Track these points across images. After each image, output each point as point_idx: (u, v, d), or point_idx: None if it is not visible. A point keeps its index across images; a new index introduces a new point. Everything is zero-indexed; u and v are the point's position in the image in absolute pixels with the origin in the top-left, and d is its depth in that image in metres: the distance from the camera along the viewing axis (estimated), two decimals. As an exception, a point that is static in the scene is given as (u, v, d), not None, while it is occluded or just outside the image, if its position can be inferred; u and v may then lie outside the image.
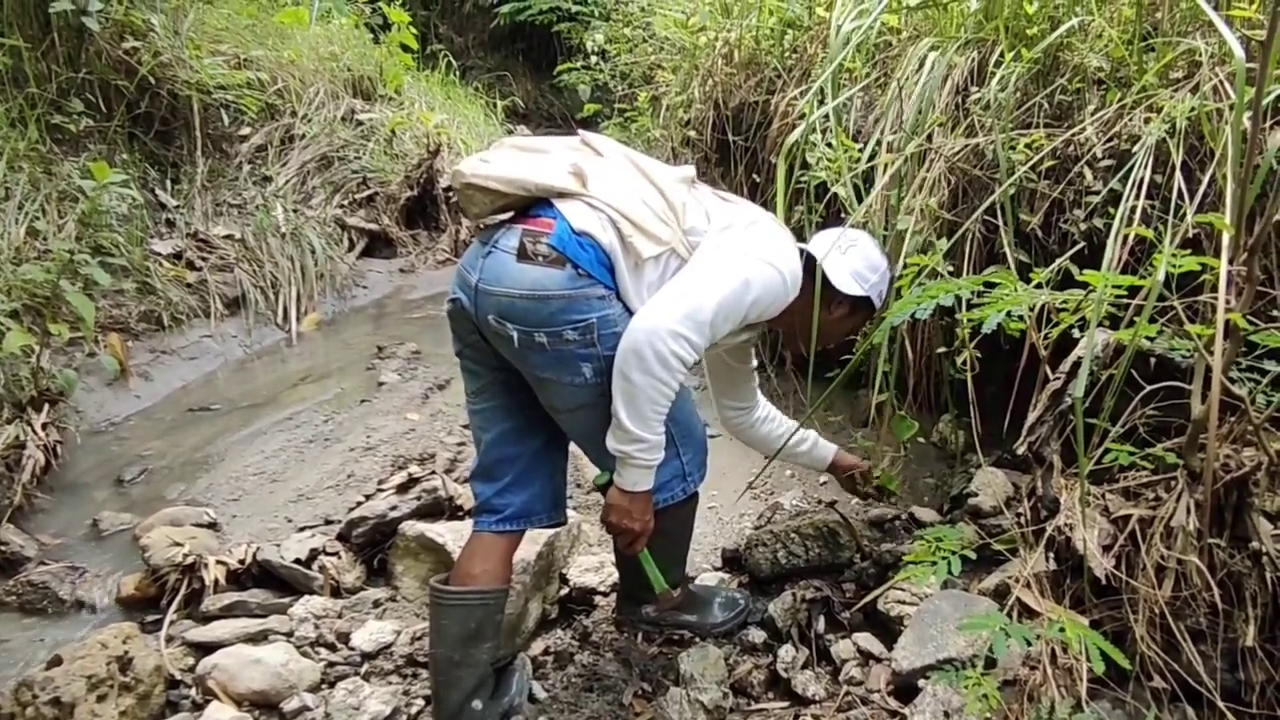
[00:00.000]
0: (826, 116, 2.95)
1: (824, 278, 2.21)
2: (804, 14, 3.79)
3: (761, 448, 2.63)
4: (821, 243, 2.26)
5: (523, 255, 1.88)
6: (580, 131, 2.19)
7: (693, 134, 3.98)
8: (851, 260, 2.25)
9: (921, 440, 3.15)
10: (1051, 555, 2.04)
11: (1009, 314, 1.96)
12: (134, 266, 4.64)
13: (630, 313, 1.92)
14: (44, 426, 3.43)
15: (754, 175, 3.76)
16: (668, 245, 1.95)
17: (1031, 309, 2.04)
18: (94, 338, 4.09)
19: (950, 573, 1.88)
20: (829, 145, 2.81)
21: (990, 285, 2.04)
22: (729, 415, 2.59)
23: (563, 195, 1.95)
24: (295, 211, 5.81)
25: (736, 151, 3.81)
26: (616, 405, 1.89)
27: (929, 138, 2.77)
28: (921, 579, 1.86)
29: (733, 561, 2.83)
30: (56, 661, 2.32)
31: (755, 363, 2.56)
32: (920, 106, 2.78)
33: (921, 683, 2.15)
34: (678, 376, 1.89)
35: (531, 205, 1.98)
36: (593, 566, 2.76)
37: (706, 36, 4.05)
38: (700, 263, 1.95)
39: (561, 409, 2.04)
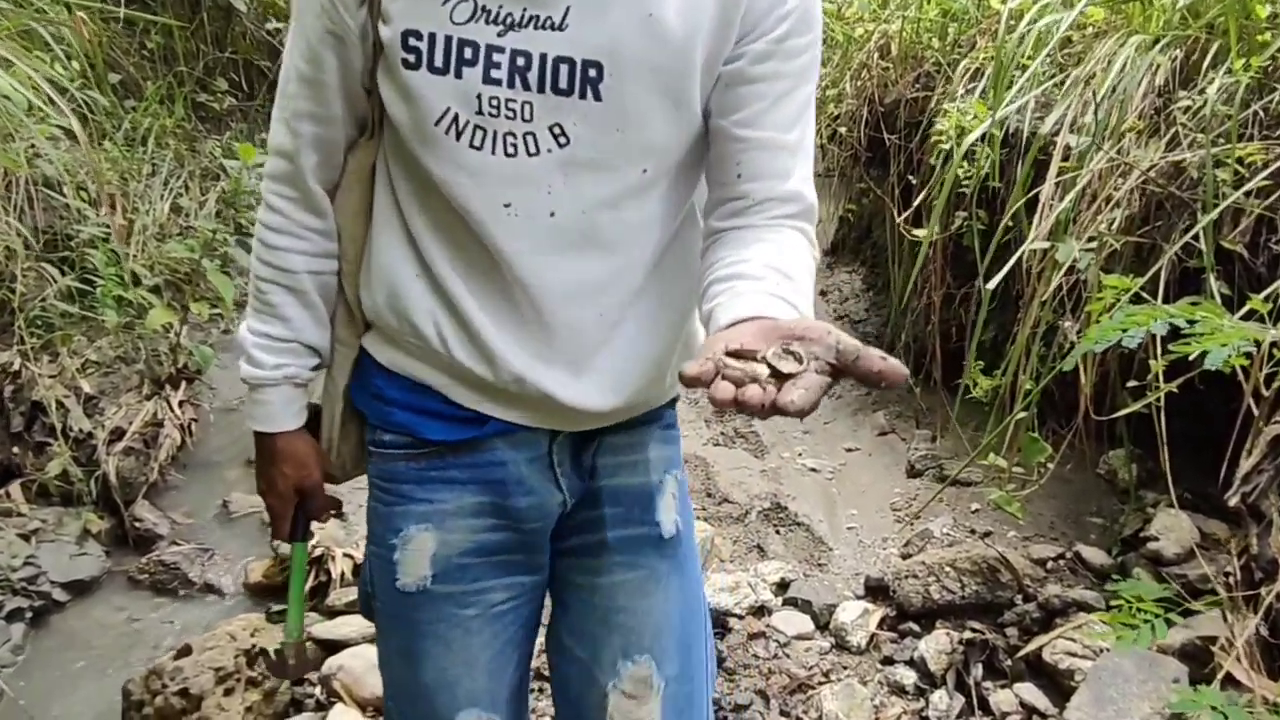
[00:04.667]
0: (1000, 121, 2.72)
1: None
2: (970, 5, 3.54)
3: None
4: None
5: None
6: None
7: (842, 130, 3.77)
8: None
9: (1102, 474, 2.89)
10: (1265, 624, 1.80)
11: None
12: (271, 245, 4.66)
13: None
14: (180, 404, 3.45)
15: (909, 177, 3.54)
16: None
17: (1257, 343, 1.79)
18: (232, 316, 4.13)
19: (1154, 637, 1.67)
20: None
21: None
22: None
23: None
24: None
25: (891, 150, 3.59)
26: None
27: (1118, 149, 2.52)
28: (1123, 643, 1.65)
29: (877, 591, 2.64)
30: (186, 651, 2.29)
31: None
32: (1111, 110, 2.53)
33: (1101, 751, 1.94)
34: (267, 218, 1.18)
35: None
36: (728, 586, 2.61)
37: (864, 28, 3.84)
38: None
39: None
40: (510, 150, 1.01)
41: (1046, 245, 2.42)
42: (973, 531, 2.85)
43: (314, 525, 2.88)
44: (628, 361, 1.14)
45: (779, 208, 1.06)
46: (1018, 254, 2.34)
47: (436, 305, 1.10)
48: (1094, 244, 2.35)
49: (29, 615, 2.70)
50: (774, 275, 0.96)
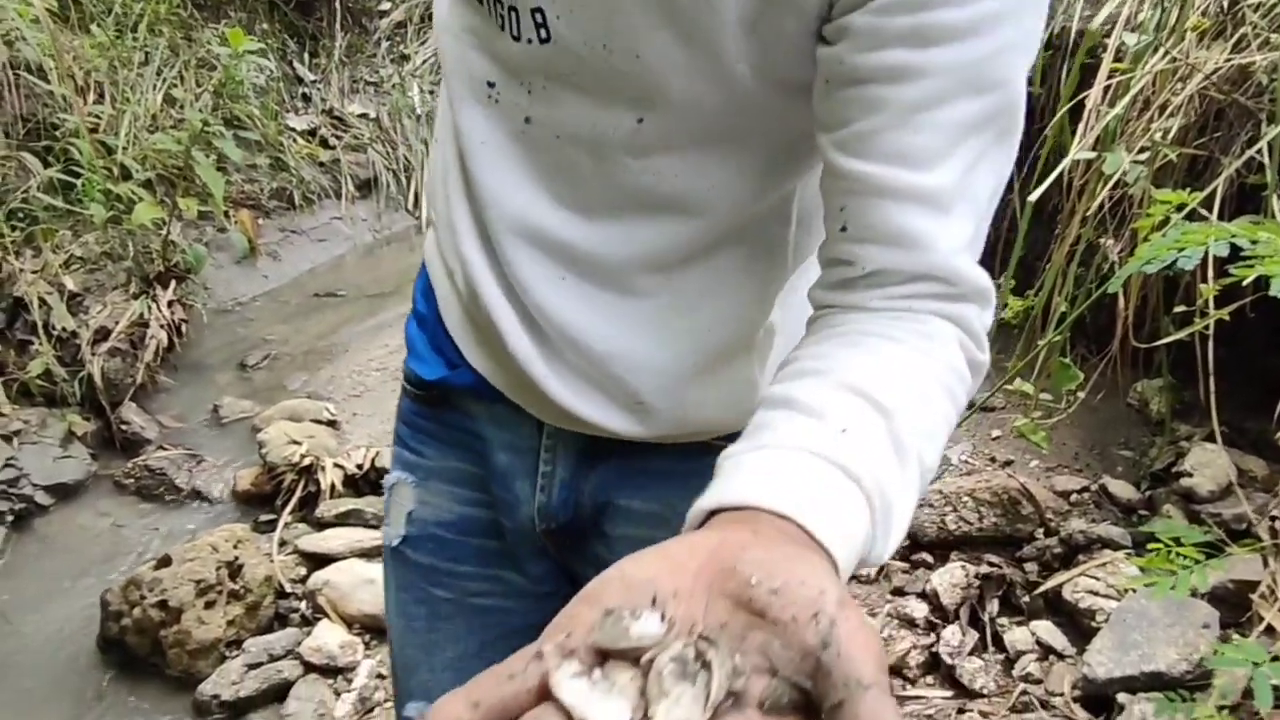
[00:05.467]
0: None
1: None
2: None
3: None
4: None
5: None
6: None
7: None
8: None
9: (1133, 404, 2.74)
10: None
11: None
12: (268, 141, 4.48)
13: None
14: (170, 304, 3.32)
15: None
16: None
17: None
18: (224, 213, 3.96)
19: (1199, 585, 1.54)
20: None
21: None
22: None
23: None
24: (432, 93, 5.57)
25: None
26: None
27: (1178, 49, 2.30)
28: (1159, 589, 1.52)
29: (889, 519, 2.52)
30: (166, 561, 2.20)
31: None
32: (1172, 6, 2.30)
33: (1122, 697, 1.84)
34: None
35: None
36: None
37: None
38: None
39: None
40: (499, 21, 0.74)
41: (1092, 156, 2.23)
42: (992, 460, 2.72)
43: (304, 433, 2.78)
44: (607, 362, 0.81)
45: (912, 286, 0.65)
46: (1061, 164, 2.15)
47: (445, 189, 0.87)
48: (1145, 155, 2.16)
49: (10, 519, 2.62)
50: (843, 410, 0.58)
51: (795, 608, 0.41)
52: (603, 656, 0.42)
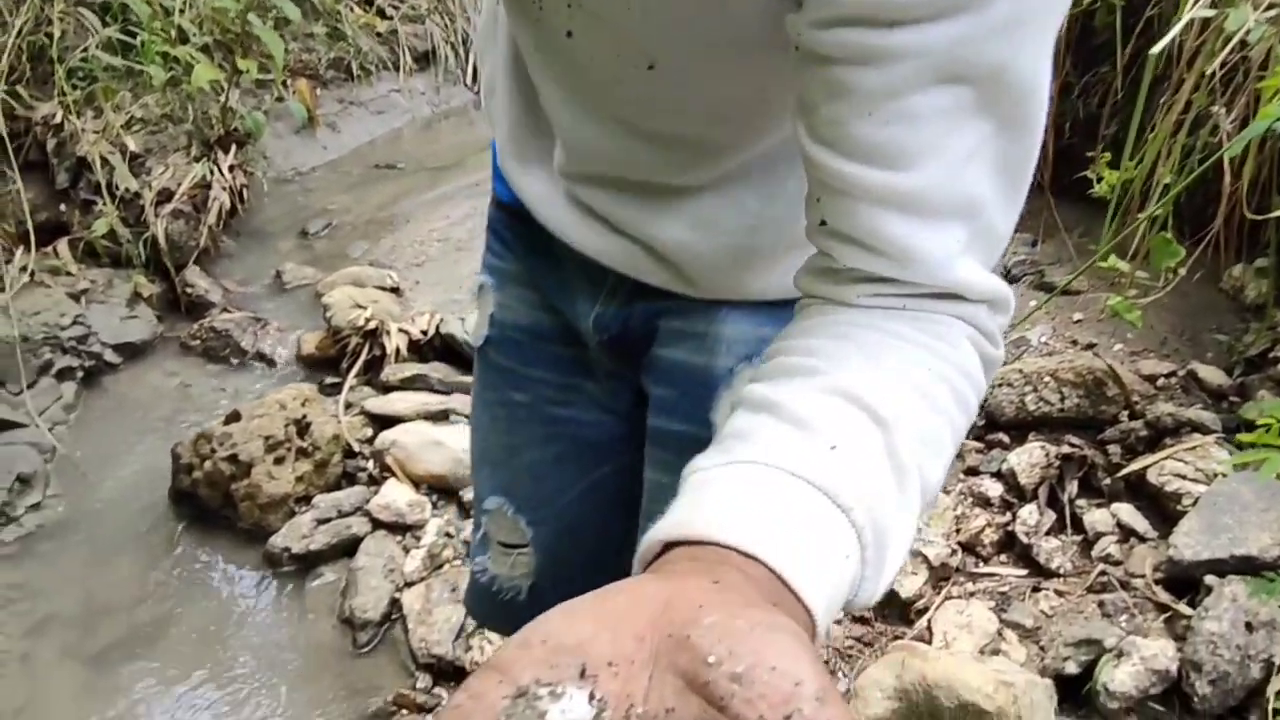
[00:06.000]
0: None
1: None
2: None
3: None
4: None
5: None
6: None
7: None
8: None
9: (1226, 290, 2.61)
10: None
11: None
12: (324, 9, 4.36)
13: None
14: (231, 169, 3.27)
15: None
16: None
17: None
18: (283, 81, 3.88)
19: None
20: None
21: None
22: None
23: None
24: (490, -38, 5.38)
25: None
26: None
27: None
28: (1270, 467, 1.44)
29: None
30: (235, 417, 2.21)
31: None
32: None
33: (1210, 579, 1.78)
34: None
35: None
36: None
37: None
38: None
39: None
40: None
41: (1211, 13, 2.06)
42: (1074, 343, 2.61)
43: (368, 298, 2.75)
44: (653, 247, 0.79)
45: (903, 287, 0.56)
46: (1179, 23, 1.98)
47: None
48: (1273, 13, 1.99)
49: (80, 375, 2.64)
50: (834, 422, 0.49)
51: (763, 704, 0.32)
52: None
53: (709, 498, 0.45)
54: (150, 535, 2.20)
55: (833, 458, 0.46)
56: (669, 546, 0.44)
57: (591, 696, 0.32)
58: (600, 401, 0.97)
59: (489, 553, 1.05)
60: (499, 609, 1.06)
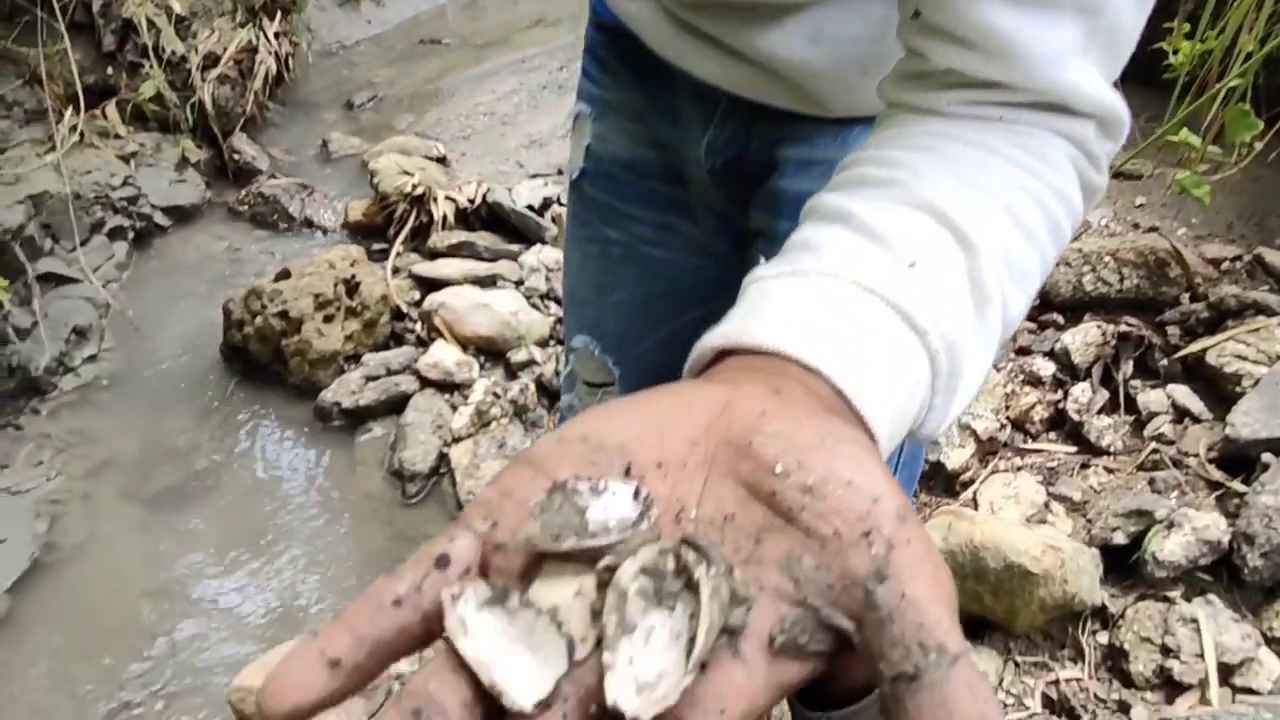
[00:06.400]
0: None
1: None
2: None
3: None
4: None
5: None
6: None
7: None
8: None
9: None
10: None
11: None
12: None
13: None
14: (276, 35, 3.22)
15: None
16: None
17: None
18: (327, -52, 3.80)
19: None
20: None
21: None
22: None
23: None
24: None
25: None
26: None
27: None
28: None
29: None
30: (285, 274, 2.21)
31: None
32: None
33: (1267, 457, 1.75)
34: None
35: None
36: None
37: None
38: None
39: None
40: None
41: None
42: (1135, 226, 2.54)
43: (415, 165, 2.72)
44: (770, 67, 0.72)
45: (1002, 94, 0.49)
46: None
47: None
48: None
49: (131, 236, 2.65)
50: (915, 237, 0.43)
51: (838, 518, 0.28)
52: (538, 560, 0.28)
53: (769, 307, 0.40)
54: (203, 389, 2.23)
55: (910, 275, 0.42)
56: (723, 356, 0.39)
57: (637, 494, 0.29)
58: (697, 244, 0.93)
59: (575, 390, 1.04)
60: None
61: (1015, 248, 0.46)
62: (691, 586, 0.26)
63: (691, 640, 0.26)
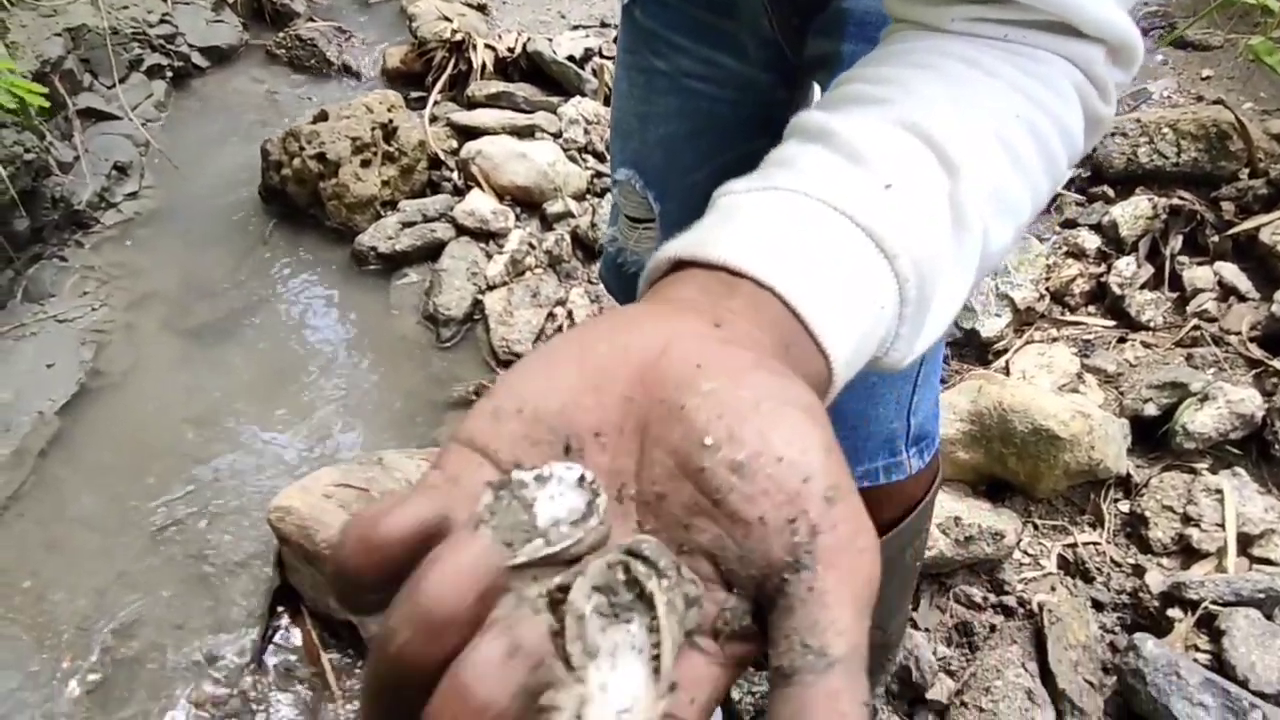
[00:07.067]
0: None
1: None
2: None
3: None
4: None
5: None
6: None
7: None
8: None
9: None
10: None
11: None
12: None
13: None
14: None
15: None
16: None
17: None
18: None
19: None
20: None
21: None
22: None
23: None
24: None
25: None
26: None
27: None
28: None
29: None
30: (323, 117, 2.19)
31: None
32: None
33: (1310, 334, 1.72)
34: None
35: None
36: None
37: None
38: None
39: None
40: None
41: None
42: (1199, 99, 2.44)
43: (455, 12, 2.66)
44: None
45: (1006, 11, 0.45)
46: None
47: None
48: None
49: (169, 75, 2.63)
50: (894, 157, 0.41)
51: (766, 502, 0.27)
52: None
53: (735, 221, 0.38)
54: (242, 228, 2.25)
55: (885, 197, 0.39)
56: (679, 267, 0.38)
57: (582, 480, 0.28)
58: (741, 80, 0.90)
59: (618, 225, 1.03)
60: (626, 282, 1.05)
61: (1003, 177, 0.44)
62: (644, 598, 0.27)
63: (655, 651, 0.26)
